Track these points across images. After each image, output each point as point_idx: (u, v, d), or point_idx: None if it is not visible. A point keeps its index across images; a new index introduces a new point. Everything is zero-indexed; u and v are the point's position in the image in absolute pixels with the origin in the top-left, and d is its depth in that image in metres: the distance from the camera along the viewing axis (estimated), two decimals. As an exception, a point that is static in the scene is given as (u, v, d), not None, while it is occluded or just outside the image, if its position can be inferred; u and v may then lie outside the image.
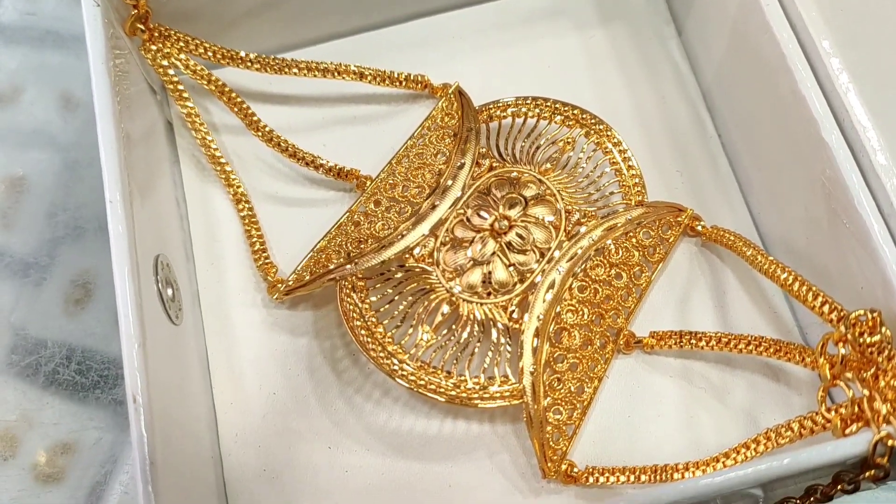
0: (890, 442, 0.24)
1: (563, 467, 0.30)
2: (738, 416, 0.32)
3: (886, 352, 0.26)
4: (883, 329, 0.26)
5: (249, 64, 0.35)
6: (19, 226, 0.39)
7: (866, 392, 0.26)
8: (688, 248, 0.35)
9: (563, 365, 0.31)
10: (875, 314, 0.26)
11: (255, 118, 0.35)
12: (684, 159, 0.36)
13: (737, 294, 0.34)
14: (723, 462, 0.28)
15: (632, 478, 0.30)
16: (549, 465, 0.30)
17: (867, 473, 0.25)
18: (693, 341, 0.32)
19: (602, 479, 0.30)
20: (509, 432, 0.32)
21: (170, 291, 0.31)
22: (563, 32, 0.39)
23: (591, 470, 0.31)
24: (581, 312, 0.32)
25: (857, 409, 0.26)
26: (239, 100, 0.35)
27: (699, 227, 0.34)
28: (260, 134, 0.35)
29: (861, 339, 0.26)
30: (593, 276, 0.32)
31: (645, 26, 0.38)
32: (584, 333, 0.32)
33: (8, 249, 0.38)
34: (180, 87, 0.35)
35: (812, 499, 0.27)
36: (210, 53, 0.35)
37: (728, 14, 0.33)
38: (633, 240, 0.33)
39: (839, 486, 0.26)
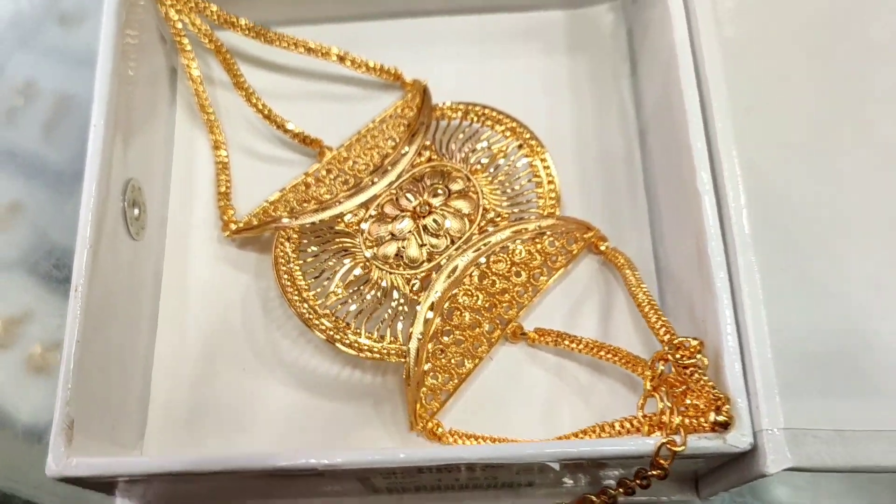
0: (672, 447, 0.28)
1: (430, 425, 0.35)
2: (593, 415, 0.36)
3: (697, 376, 0.30)
4: (699, 356, 0.30)
5: (246, 31, 0.40)
6: (60, 138, 0.45)
7: (669, 405, 0.30)
8: (591, 264, 0.39)
9: (449, 339, 0.36)
10: (697, 343, 0.30)
11: (241, 79, 0.40)
12: (608, 186, 0.40)
13: (622, 312, 0.38)
14: (553, 444, 0.33)
15: (483, 444, 0.35)
16: (416, 419, 0.35)
17: (654, 472, 0.29)
18: (566, 342, 0.36)
19: (460, 442, 0.35)
20: (397, 389, 0.37)
21: (136, 211, 0.37)
22: (532, 54, 0.43)
23: (453, 432, 0.35)
24: (476, 297, 0.36)
25: (662, 418, 0.30)
26: (231, 60, 0.41)
27: (602, 247, 0.38)
28: (242, 93, 0.40)
29: (680, 361, 0.30)
30: (494, 269, 0.37)
31: (605, 61, 0.43)
32: (474, 316, 0.36)
33: (48, 159, 0.44)
34: (184, 39, 0.40)
35: (622, 489, 0.32)
36: (215, 17, 0.40)
37: (661, 62, 0.37)
38: (539, 245, 0.37)
39: (636, 481, 0.31)
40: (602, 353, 0.35)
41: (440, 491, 0.36)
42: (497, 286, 0.37)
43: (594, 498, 0.33)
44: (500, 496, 0.36)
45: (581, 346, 0.36)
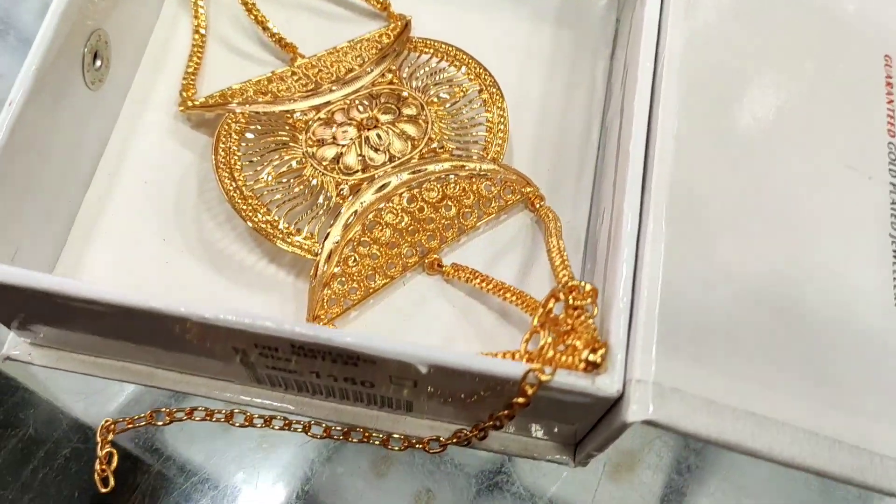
0: (539, 375, 0.29)
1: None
2: (486, 357, 0.36)
3: (583, 318, 0.30)
4: (588, 300, 0.30)
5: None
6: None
7: (549, 340, 0.30)
8: (524, 218, 0.40)
9: (365, 250, 0.36)
10: (591, 288, 0.31)
11: (235, -31, 0.41)
12: (560, 154, 0.41)
13: (541, 268, 0.38)
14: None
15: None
16: (313, 317, 0.35)
17: (518, 399, 0.29)
18: (476, 281, 0.36)
19: (350, 350, 0.35)
20: (307, 290, 0.37)
21: (98, 63, 0.38)
22: (520, 17, 0.44)
23: (343, 337, 0.35)
24: (401, 218, 0.37)
25: (541, 353, 0.30)
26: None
27: (538, 205, 0.39)
28: (232, -17, 0.41)
29: (570, 301, 0.30)
30: (425, 196, 0.37)
31: (588, 40, 0.43)
32: (394, 235, 0.37)
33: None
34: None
35: (490, 421, 0.32)
36: None
37: (630, 58, 0.38)
38: (475, 186, 0.38)
39: (504, 412, 0.31)
40: (507, 294, 0.35)
41: (322, 396, 0.36)
42: (424, 213, 0.37)
43: (468, 431, 0.34)
44: (380, 418, 0.36)
45: (490, 287, 0.36)
